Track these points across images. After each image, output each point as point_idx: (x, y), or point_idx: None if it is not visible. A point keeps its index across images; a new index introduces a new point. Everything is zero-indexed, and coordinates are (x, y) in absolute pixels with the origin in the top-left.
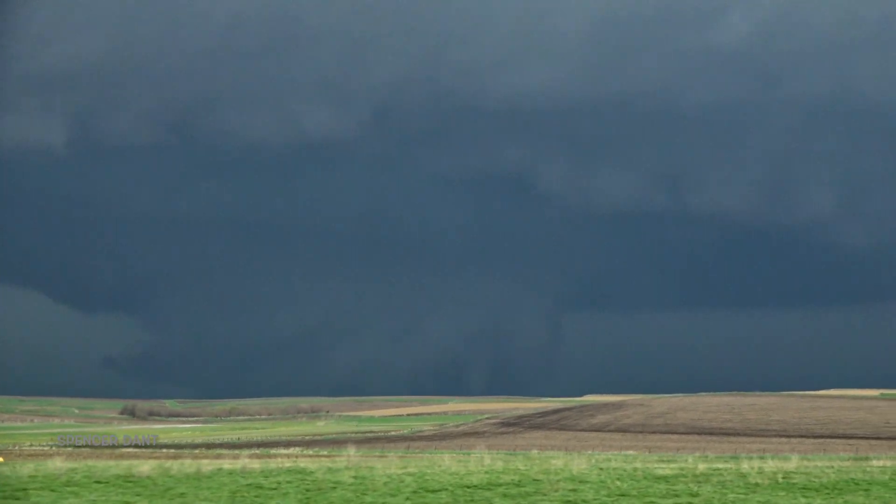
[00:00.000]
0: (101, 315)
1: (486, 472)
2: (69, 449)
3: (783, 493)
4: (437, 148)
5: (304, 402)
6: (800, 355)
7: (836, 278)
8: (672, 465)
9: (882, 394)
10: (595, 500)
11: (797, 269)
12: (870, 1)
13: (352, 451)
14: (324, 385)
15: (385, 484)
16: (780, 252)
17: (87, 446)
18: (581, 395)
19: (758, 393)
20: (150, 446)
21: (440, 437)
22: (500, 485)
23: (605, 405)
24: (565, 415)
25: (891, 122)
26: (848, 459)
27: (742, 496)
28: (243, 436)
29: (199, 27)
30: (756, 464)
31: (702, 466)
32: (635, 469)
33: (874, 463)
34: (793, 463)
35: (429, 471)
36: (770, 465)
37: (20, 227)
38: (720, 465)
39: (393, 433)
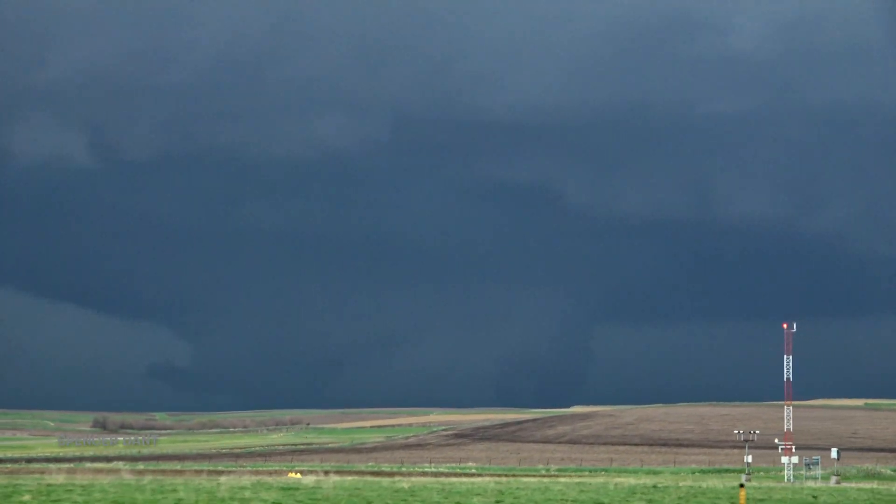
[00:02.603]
0: (142, 325)
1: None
2: None
3: None
4: (454, 159)
5: (289, 414)
6: (812, 364)
7: (859, 287)
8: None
9: (866, 403)
10: None
11: (821, 279)
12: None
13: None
14: (366, 397)
15: None
16: (806, 261)
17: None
18: (569, 406)
19: (738, 403)
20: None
21: (379, 449)
22: None
23: (573, 416)
24: (525, 426)
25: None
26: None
27: None
28: (157, 449)
29: (207, 37)
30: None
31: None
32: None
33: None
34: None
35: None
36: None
37: (37, 239)
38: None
39: (331, 445)
